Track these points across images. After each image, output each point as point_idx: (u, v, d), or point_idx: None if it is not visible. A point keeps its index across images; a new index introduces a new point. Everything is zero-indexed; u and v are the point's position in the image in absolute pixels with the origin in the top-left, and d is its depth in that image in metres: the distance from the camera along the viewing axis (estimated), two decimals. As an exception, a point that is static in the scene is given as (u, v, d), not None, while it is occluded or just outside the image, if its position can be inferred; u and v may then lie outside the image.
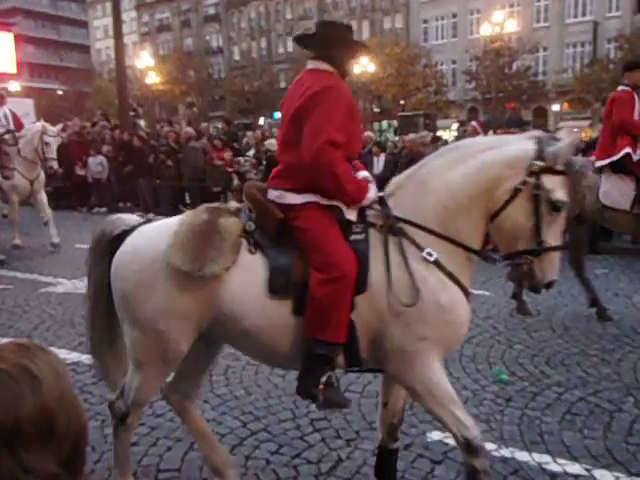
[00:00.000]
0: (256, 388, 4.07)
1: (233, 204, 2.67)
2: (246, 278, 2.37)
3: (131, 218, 2.77)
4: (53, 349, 3.55)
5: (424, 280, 2.28)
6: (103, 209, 12.76)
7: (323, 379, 2.39)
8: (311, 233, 2.38)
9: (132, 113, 17.31)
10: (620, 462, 3.07)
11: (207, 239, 2.36)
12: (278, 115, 41.67)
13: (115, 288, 2.55)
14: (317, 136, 2.32)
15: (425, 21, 39.28)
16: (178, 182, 12.37)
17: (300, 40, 2.68)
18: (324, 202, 2.43)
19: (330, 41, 2.53)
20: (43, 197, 8.78)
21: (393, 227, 2.38)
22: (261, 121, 41.67)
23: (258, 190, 2.55)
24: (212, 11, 49.31)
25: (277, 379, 4.20)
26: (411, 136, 9.75)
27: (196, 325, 2.44)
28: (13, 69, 33.62)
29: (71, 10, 63.53)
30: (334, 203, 2.43)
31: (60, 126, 9.96)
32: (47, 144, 8.48)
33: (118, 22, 13.71)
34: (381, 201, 2.47)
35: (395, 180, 2.56)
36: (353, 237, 2.40)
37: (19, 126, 8.65)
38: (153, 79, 32.24)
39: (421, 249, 2.34)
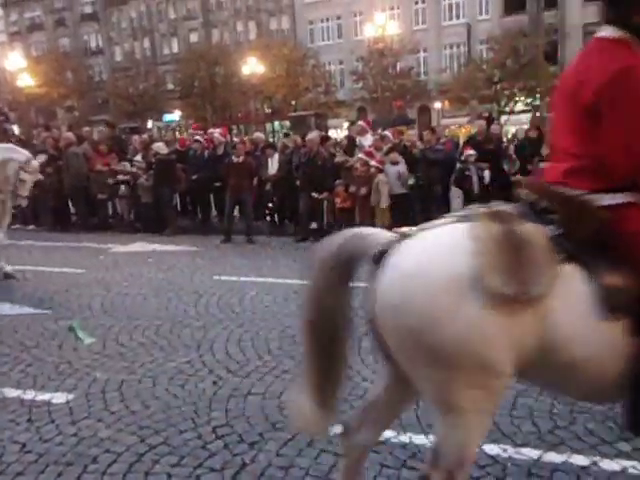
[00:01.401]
0: (154, 401, 3.90)
1: (499, 205, 2.15)
2: (568, 296, 1.96)
3: (380, 234, 2.21)
4: None
5: None
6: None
7: None
8: None
9: (0, 118, 16.05)
10: (507, 435, 3.29)
11: (520, 253, 1.94)
12: (168, 117, 40.76)
13: (392, 324, 2.01)
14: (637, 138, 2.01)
15: (311, 22, 39.84)
16: (59, 191, 11.62)
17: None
18: None
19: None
20: (7, 221, 7.80)
21: None
22: (149, 124, 40.32)
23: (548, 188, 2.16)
24: (89, 10, 46.80)
25: (176, 389, 4.07)
26: (310, 135, 9.79)
27: (515, 358, 1.96)
28: None
29: None
30: None
31: None
32: (22, 181, 7.40)
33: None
34: None
35: None
36: None
37: None
38: (26, 81, 30.05)
39: None
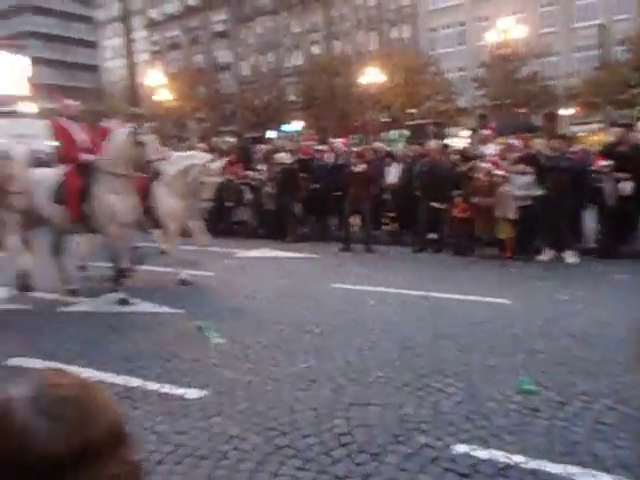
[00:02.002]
0: (278, 403, 4.04)
1: None
2: None
3: None
4: (74, 368, 3.56)
5: None
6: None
7: None
8: None
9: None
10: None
11: None
12: (288, 127, 42.20)
13: None
14: None
15: (433, 30, 39.44)
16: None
17: None
18: None
19: None
20: (197, 225, 8.07)
21: None
22: (271, 134, 41.97)
23: None
24: (220, 28, 49.86)
25: (298, 393, 4.18)
26: (432, 144, 9.65)
27: None
28: (25, 91, 34.30)
29: (81, 31, 64.53)
30: None
31: None
32: (203, 183, 7.56)
33: (129, 41, 13.91)
34: None
35: None
36: None
37: None
38: (164, 96, 32.56)
39: None
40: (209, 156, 8.09)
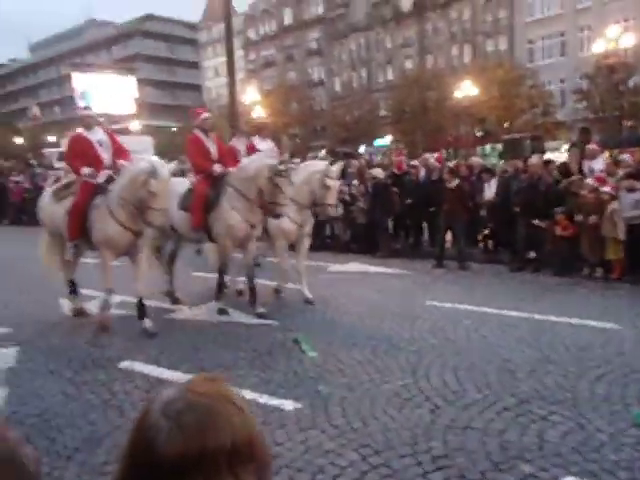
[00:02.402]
0: (373, 420, 4.01)
1: None
2: None
3: None
4: (178, 373, 3.70)
5: None
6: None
7: None
8: None
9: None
10: None
11: None
12: (378, 142, 42.25)
13: None
14: None
15: (530, 41, 38.11)
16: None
17: None
18: None
19: None
20: (307, 245, 7.75)
21: None
22: (361, 149, 42.18)
23: None
24: (314, 45, 50.99)
25: (393, 411, 4.12)
26: (533, 160, 9.28)
27: None
28: (133, 109, 36.85)
29: (185, 52, 68.36)
30: None
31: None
32: (328, 187, 7.17)
33: (231, 61, 14.53)
34: None
35: None
36: None
37: (120, 153, 6.68)
38: (258, 113, 33.67)
39: None
40: (325, 162, 7.93)
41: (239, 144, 8.62)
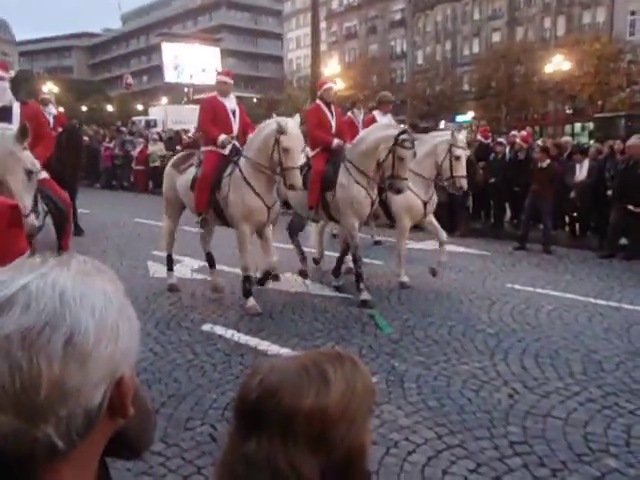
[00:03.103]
0: (448, 400, 3.97)
1: None
2: None
3: None
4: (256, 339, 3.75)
5: None
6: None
7: None
8: None
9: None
10: None
11: None
12: (459, 118, 41.05)
13: None
14: None
15: (633, 13, 35.41)
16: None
17: None
18: None
19: None
20: (433, 221, 7.13)
21: None
22: (442, 124, 41.11)
23: None
24: (398, 16, 49.73)
25: (470, 393, 4.07)
26: (632, 140, 8.67)
27: None
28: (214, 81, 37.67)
29: (268, 24, 68.69)
30: None
31: None
32: (457, 158, 6.70)
33: (316, 31, 14.46)
34: None
35: None
36: None
37: (247, 126, 6.46)
38: (338, 85, 33.46)
39: None
40: (449, 131, 7.19)
41: (357, 117, 8.20)
